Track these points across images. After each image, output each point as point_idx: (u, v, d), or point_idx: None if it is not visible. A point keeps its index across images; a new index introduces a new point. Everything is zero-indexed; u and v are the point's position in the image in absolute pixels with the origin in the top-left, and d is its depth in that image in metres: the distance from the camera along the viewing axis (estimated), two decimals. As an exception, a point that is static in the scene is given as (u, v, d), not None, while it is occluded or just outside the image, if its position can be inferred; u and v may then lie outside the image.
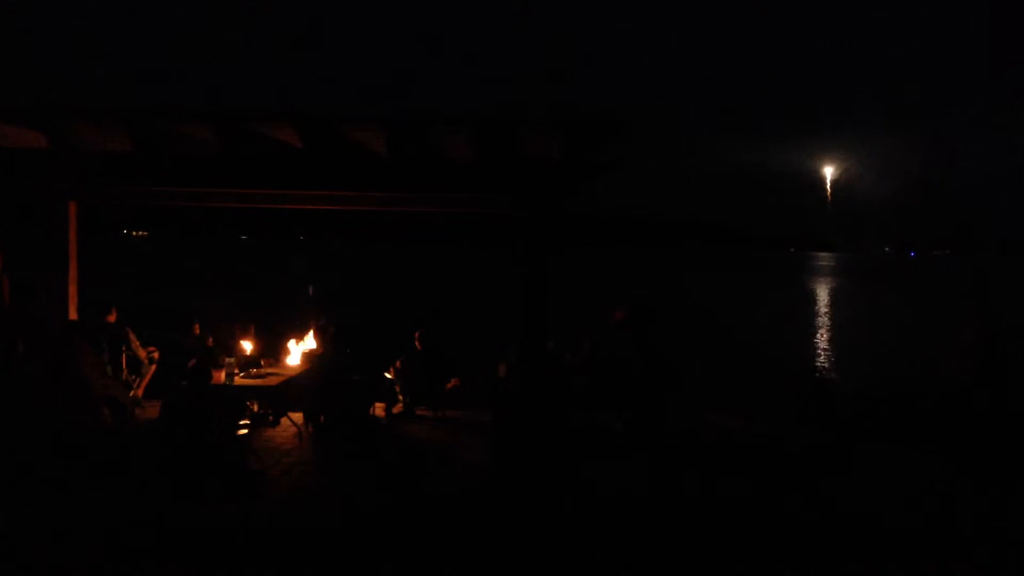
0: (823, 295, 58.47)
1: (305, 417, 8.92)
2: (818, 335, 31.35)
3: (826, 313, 42.67)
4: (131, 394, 9.27)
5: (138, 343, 9.56)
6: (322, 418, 8.83)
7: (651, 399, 8.61)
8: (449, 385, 9.94)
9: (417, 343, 10.08)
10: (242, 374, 8.76)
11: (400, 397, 9.85)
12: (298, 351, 9.87)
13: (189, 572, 5.26)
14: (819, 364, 23.00)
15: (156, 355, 9.97)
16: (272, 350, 10.04)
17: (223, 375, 8.37)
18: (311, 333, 10.23)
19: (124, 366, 9.44)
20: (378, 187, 8.25)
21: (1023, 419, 8.37)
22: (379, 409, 9.67)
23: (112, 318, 9.43)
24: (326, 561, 5.50)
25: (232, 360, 8.60)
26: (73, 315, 8.83)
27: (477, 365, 10.82)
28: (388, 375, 9.83)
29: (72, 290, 8.86)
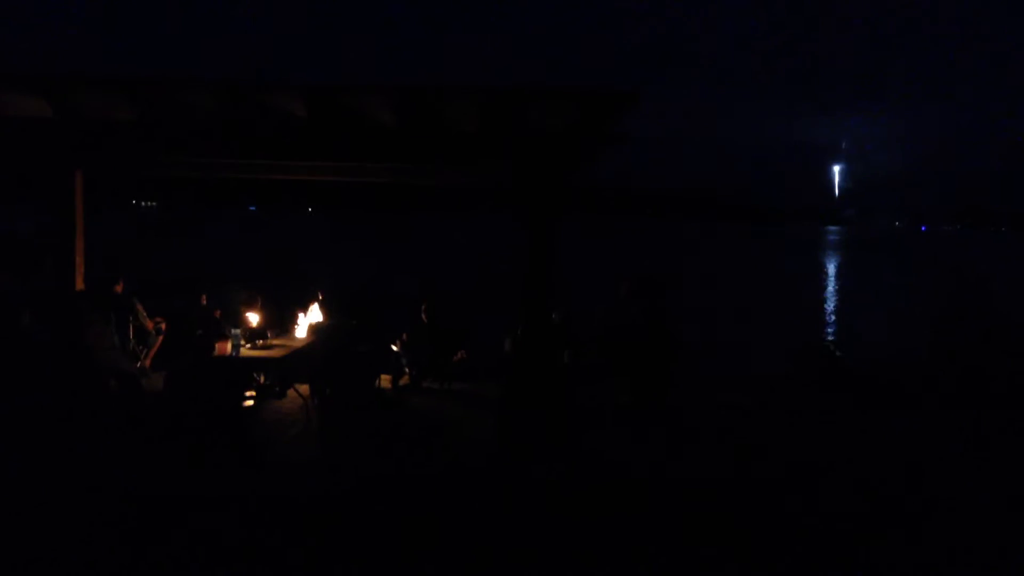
0: (830, 269, 58.41)
1: (311, 389, 8.92)
2: (826, 305, 31.42)
3: (828, 286, 42.64)
4: (138, 365, 9.29)
5: (145, 314, 9.55)
6: (328, 390, 8.84)
7: (658, 372, 8.59)
8: (456, 358, 9.94)
9: (423, 315, 10.07)
10: (248, 345, 8.75)
11: (407, 369, 9.85)
12: (305, 323, 9.85)
13: (195, 539, 5.29)
14: (826, 335, 23.06)
15: (163, 326, 9.98)
16: (279, 321, 10.03)
17: (229, 346, 8.37)
18: (317, 305, 10.21)
19: (131, 336, 9.45)
20: (385, 158, 8.18)
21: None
22: (385, 381, 9.68)
23: (119, 288, 9.42)
24: (331, 530, 5.52)
25: (238, 331, 8.59)
26: (80, 285, 8.82)
27: (484, 337, 10.81)
28: (394, 347, 9.82)
29: (79, 260, 8.83)
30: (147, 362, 9.66)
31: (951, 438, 8.13)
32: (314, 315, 10.05)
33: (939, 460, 7.44)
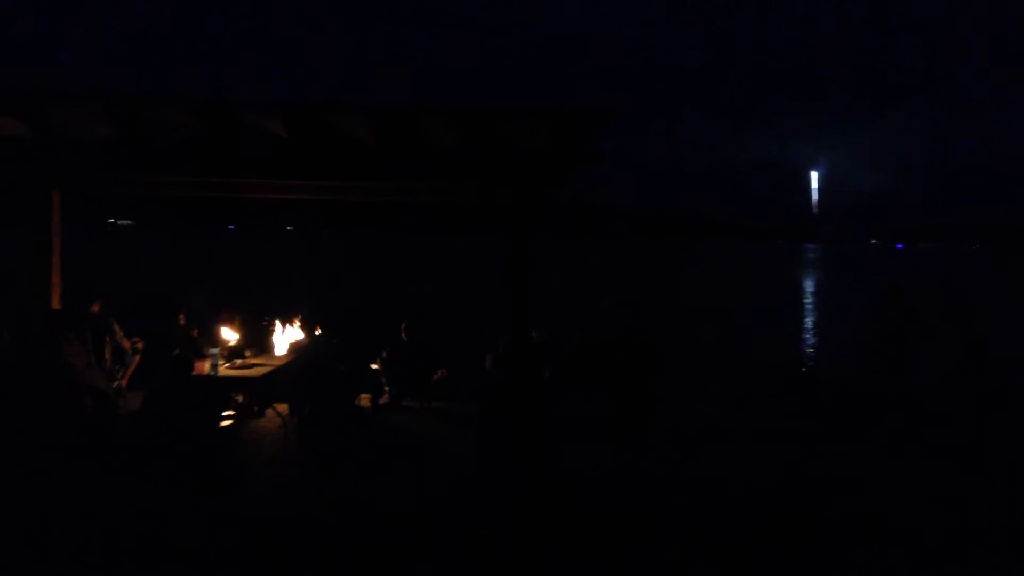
0: (805, 287, 58.88)
1: (290, 408, 8.88)
2: (798, 323, 31.68)
3: (804, 304, 42.99)
4: (115, 384, 9.20)
5: (122, 333, 9.48)
6: (307, 409, 8.79)
7: (637, 388, 8.60)
8: (436, 376, 9.93)
9: (404, 334, 10.06)
10: (227, 364, 8.71)
11: (386, 388, 9.82)
12: (284, 341, 9.81)
13: (172, 562, 5.24)
14: (802, 353, 23.22)
15: (140, 345, 9.89)
16: (258, 340, 9.99)
17: (207, 365, 8.31)
18: (297, 323, 10.18)
19: (108, 356, 9.36)
20: (365, 176, 8.18)
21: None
22: (365, 400, 9.65)
23: (96, 308, 9.34)
24: (310, 550, 5.48)
25: (216, 350, 8.54)
26: (56, 304, 8.75)
27: (465, 356, 10.80)
28: (375, 366, 9.80)
29: (55, 279, 8.77)
30: (124, 382, 9.57)
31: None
32: (294, 334, 10.02)
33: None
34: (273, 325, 10.04)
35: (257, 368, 8.78)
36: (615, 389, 8.70)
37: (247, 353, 9.20)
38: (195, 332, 9.88)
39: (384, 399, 9.82)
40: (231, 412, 8.76)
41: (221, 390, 8.34)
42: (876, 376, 9.64)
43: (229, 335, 9.52)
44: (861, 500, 6.72)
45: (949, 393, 8.83)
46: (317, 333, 9.32)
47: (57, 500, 6.23)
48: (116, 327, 9.39)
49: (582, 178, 8.19)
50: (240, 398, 9.03)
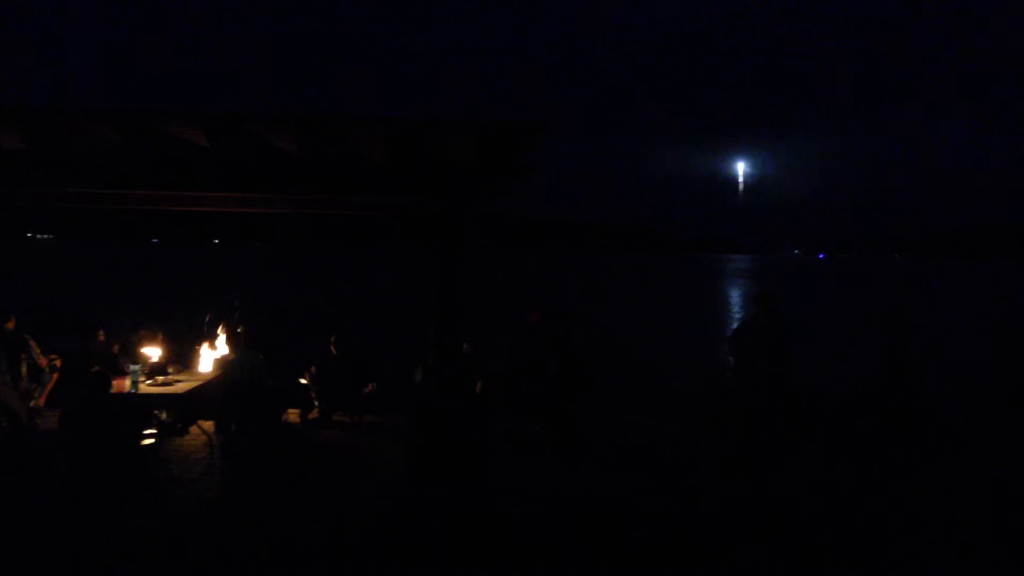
0: (732, 297, 60.01)
1: (216, 425, 8.69)
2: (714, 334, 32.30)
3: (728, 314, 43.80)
4: (31, 403, 8.92)
5: (39, 350, 9.18)
6: (233, 426, 8.62)
7: (567, 401, 8.65)
8: (366, 390, 9.84)
9: (333, 347, 9.94)
10: (148, 381, 8.49)
11: (316, 402, 9.70)
12: (209, 357, 9.61)
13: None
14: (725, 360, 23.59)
15: (58, 363, 9.59)
16: (182, 356, 9.77)
17: (127, 382, 8.10)
18: (223, 338, 9.98)
19: (24, 375, 9.06)
20: (290, 189, 8.08)
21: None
22: (294, 415, 9.50)
23: (11, 325, 9.04)
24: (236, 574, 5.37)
25: (137, 367, 8.33)
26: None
27: (394, 369, 10.73)
28: (303, 380, 9.67)
29: (-34, 295, 8.45)
30: (41, 400, 9.26)
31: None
32: (219, 349, 9.82)
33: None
34: (198, 341, 9.84)
35: (180, 385, 8.58)
36: (543, 402, 8.74)
37: (170, 369, 9.00)
38: (116, 348, 9.64)
39: (314, 414, 9.68)
40: (153, 430, 8.54)
41: (142, 407, 8.12)
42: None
43: (150, 351, 9.29)
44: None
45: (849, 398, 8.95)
46: (244, 347, 9.15)
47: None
48: (32, 344, 9.09)
49: (523, 191, 8.20)
50: (164, 415, 8.80)
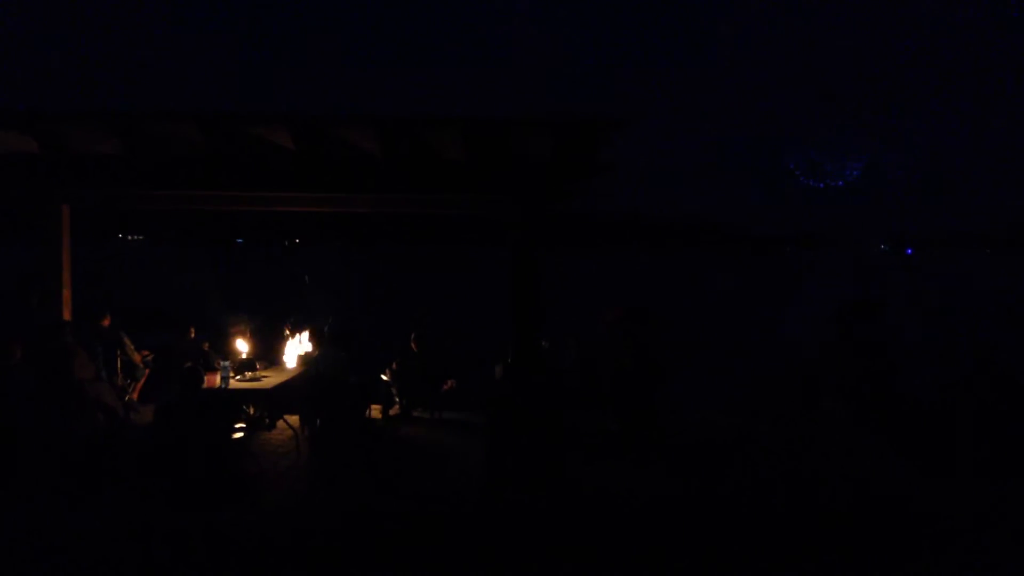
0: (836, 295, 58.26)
1: (301, 420, 8.89)
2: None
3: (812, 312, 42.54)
4: (126, 399, 9.24)
5: (132, 347, 9.53)
6: (318, 421, 8.81)
7: (643, 399, 8.59)
8: (446, 386, 9.94)
9: (413, 344, 10.08)
10: (237, 377, 8.74)
11: (397, 399, 9.84)
12: (294, 353, 9.84)
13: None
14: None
15: (151, 359, 9.95)
16: (269, 353, 10.02)
17: (217, 378, 8.34)
18: (307, 335, 10.20)
19: (119, 371, 9.41)
20: (371, 189, 8.22)
21: None
22: (376, 411, 9.66)
23: (106, 322, 9.40)
24: (323, 565, 5.49)
25: (227, 363, 8.57)
26: (67, 319, 8.79)
27: (474, 366, 10.80)
28: (385, 377, 9.81)
29: (66, 294, 8.83)
30: (135, 395, 9.61)
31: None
32: (304, 346, 10.04)
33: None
34: (284, 337, 10.07)
35: (267, 380, 8.81)
36: (618, 400, 8.71)
37: (258, 365, 9.25)
38: (206, 345, 9.93)
39: (395, 410, 9.83)
40: (242, 424, 8.77)
41: (232, 402, 8.35)
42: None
43: (240, 347, 9.56)
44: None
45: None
46: (327, 345, 9.34)
47: (64, 517, 6.25)
48: (127, 341, 9.44)
49: (591, 188, 8.19)
50: (251, 410, 9.05)
